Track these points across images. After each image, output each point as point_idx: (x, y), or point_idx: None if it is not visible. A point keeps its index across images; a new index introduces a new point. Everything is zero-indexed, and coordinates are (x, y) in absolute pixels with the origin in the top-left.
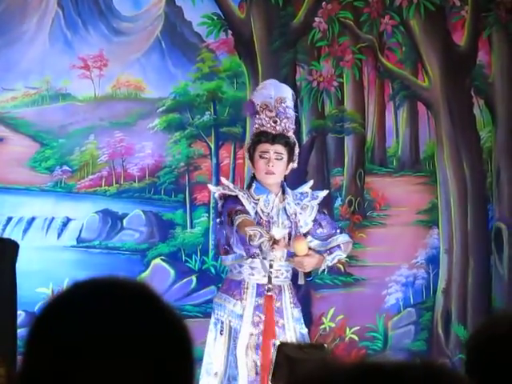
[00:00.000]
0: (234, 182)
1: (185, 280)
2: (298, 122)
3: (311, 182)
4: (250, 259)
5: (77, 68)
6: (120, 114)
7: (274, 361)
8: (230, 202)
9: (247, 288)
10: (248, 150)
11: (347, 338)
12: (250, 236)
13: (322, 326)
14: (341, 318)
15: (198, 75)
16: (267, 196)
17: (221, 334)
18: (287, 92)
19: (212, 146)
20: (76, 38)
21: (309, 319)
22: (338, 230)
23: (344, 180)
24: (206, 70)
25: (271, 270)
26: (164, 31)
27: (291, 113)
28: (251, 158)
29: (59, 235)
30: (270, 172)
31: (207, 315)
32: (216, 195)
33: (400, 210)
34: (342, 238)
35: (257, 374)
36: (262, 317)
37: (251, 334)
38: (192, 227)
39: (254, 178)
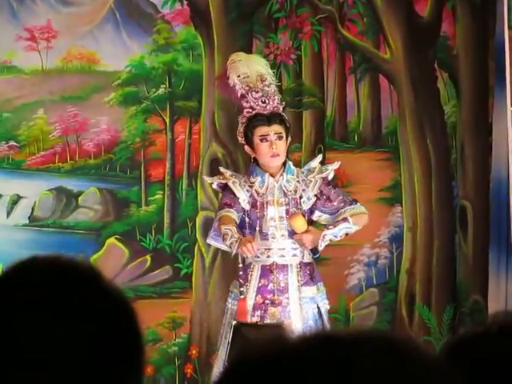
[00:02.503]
0: (189, 157)
1: (139, 260)
2: None
3: (320, 157)
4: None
5: (23, 40)
6: (72, 88)
7: (229, 341)
8: (225, 194)
9: (252, 271)
10: (243, 135)
11: None
12: (223, 235)
13: None
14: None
15: (153, 47)
16: (262, 177)
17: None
18: (260, 63)
19: (167, 121)
20: (22, 9)
21: None
22: (350, 202)
23: (302, 156)
24: (161, 41)
25: (241, 265)
26: (117, 1)
27: (274, 87)
28: (249, 143)
29: (9, 213)
30: (276, 154)
31: (162, 295)
32: (214, 186)
33: (362, 187)
34: (350, 211)
35: None
36: (267, 296)
37: (253, 316)
38: (147, 205)
39: (254, 161)
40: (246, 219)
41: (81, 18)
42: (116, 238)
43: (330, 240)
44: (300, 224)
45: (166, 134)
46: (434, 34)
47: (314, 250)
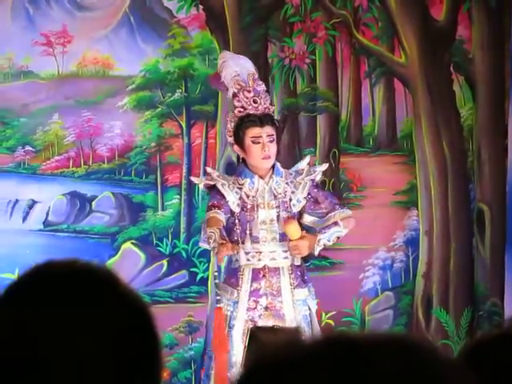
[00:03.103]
0: (205, 162)
1: (156, 264)
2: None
3: (308, 158)
4: (243, 245)
5: (39, 45)
6: (87, 93)
7: (246, 345)
8: (212, 196)
9: (243, 274)
10: (233, 135)
11: (323, 324)
12: (208, 238)
13: None
14: (316, 302)
15: (168, 52)
16: (251, 179)
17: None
18: (249, 64)
19: (183, 125)
20: (38, 14)
21: None
22: (337, 206)
23: (316, 160)
24: (177, 46)
25: (215, 273)
26: (132, 6)
27: (264, 87)
28: (239, 143)
29: (24, 218)
30: (267, 157)
31: (178, 300)
32: (201, 187)
33: (377, 191)
34: (339, 215)
35: None
36: (259, 302)
37: (247, 320)
38: (163, 209)
39: (242, 162)
40: (236, 221)
41: (96, 23)
42: (132, 243)
43: (324, 245)
44: (294, 230)
45: (182, 139)
46: (450, 38)
47: (306, 258)
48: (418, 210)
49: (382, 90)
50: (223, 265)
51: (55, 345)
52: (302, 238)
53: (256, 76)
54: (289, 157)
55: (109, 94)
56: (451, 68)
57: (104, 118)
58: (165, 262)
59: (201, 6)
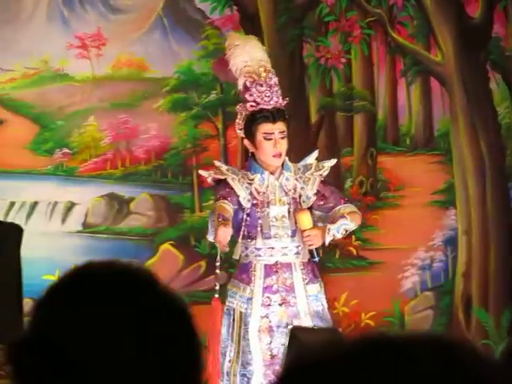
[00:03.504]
0: (242, 163)
1: (194, 265)
2: (305, 100)
3: (316, 153)
4: (254, 240)
5: (74, 48)
6: (122, 95)
7: (286, 345)
8: (221, 187)
9: (255, 270)
10: (244, 129)
11: (363, 324)
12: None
13: (335, 311)
14: (355, 302)
15: (202, 53)
16: (261, 175)
17: (233, 321)
18: (258, 46)
19: (219, 127)
20: (73, 17)
21: None
22: (342, 201)
23: (354, 160)
24: (211, 47)
25: (217, 263)
26: (166, 8)
27: (276, 79)
28: (250, 138)
29: (64, 220)
30: (278, 154)
31: None
32: (209, 180)
33: (414, 191)
34: (344, 209)
35: (272, 356)
36: (272, 298)
37: (262, 317)
38: (201, 210)
39: (252, 157)
40: (245, 217)
41: (130, 25)
42: (170, 244)
43: (334, 236)
44: (307, 220)
45: (218, 140)
46: (486, 36)
47: (312, 253)
48: (456, 209)
49: (418, 89)
50: (221, 243)
51: (95, 346)
52: (314, 228)
53: (268, 68)
54: (326, 157)
55: (144, 96)
56: (488, 66)
57: (140, 120)
58: (203, 263)
59: (235, 7)
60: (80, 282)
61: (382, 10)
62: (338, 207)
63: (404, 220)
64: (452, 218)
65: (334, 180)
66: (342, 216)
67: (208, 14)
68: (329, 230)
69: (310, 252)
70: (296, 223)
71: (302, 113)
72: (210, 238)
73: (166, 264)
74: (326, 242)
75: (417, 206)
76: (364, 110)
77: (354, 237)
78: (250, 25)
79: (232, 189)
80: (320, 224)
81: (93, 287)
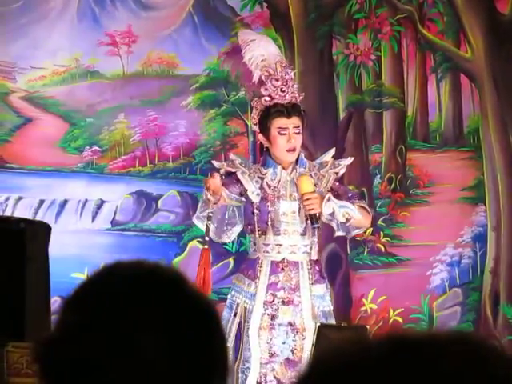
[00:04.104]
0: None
1: (222, 262)
2: (334, 97)
3: (333, 151)
4: (263, 236)
5: (104, 45)
6: (152, 92)
7: (313, 342)
8: (226, 177)
9: (261, 266)
10: (258, 123)
11: (391, 321)
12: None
13: (363, 308)
14: (383, 299)
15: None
16: (274, 169)
17: (234, 316)
18: (271, 45)
19: (248, 124)
20: (104, 14)
21: (349, 301)
22: (355, 200)
23: (383, 157)
24: None
25: (209, 223)
26: (196, 5)
27: (292, 75)
28: (265, 133)
29: (93, 218)
30: (292, 149)
31: None
32: (222, 172)
33: (444, 187)
34: (357, 203)
35: (271, 355)
36: (276, 295)
37: (264, 314)
38: None
39: (266, 151)
40: (255, 211)
41: (160, 23)
42: (198, 241)
43: (333, 209)
44: (308, 184)
45: (247, 137)
46: None
47: (312, 219)
48: (485, 205)
49: (448, 86)
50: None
51: (122, 346)
52: (314, 192)
53: (284, 63)
54: (355, 154)
55: (173, 94)
56: None
57: (169, 117)
58: (231, 260)
59: (265, 4)
60: (108, 282)
61: (412, 6)
62: (349, 200)
63: (433, 216)
64: (481, 214)
65: (363, 176)
66: (349, 202)
67: (238, 11)
68: (329, 198)
69: (310, 217)
70: (307, 220)
71: (331, 110)
72: (196, 221)
73: (194, 261)
74: (323, 210)
75: (446, 203)
76: (393, 106)
77: (382, 233)
78: (279, 22)
79: (238, 180)
80: (333, 225)
81: (121, 287)
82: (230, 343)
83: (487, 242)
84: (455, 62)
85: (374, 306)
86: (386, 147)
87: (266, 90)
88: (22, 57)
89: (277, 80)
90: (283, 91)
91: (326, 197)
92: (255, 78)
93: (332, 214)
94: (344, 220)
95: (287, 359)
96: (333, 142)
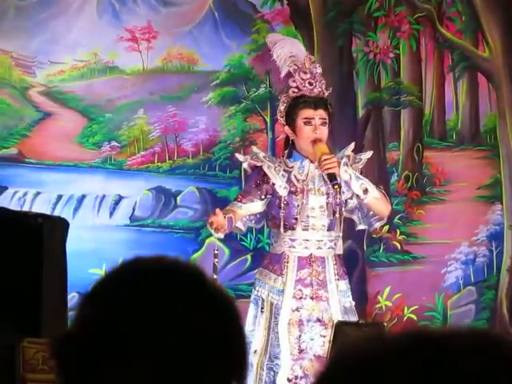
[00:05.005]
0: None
1: (240, 259)
2: (353, 95)
3: (352, 145)
4: (290, 231)
5: (124, 40)
6: (171, 88)
7: (331, 339)
8: (249, 180)
9: (288, 262)
10: (283, 115)
11: (405, 318)
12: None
13: (378, 305)
14: (398, 296)
15: (253, 47)
16: (301, 162)
17: (261, 312)
18: (302, 46)
19: (268, 120)
20: (124, 10)
21: (364, 298)
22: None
23: (400, 155)
24: (261, 41)
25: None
26: (216, 2)
27: (320, 70)
28: (291, 124)
29: (111, 214)
30: (318, 139)
31: None
32: (245, 165)
33: (460, 186)
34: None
35: (300, 351)
36: (304, 291)
37: (293, 310)
38: None
39: (292, 144)
40: (282, 205)
41: (180, 18)
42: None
43: (350, 176)
44: (325, 148)
45: (266, 134)
46: None
47: (331, 177)
48: (502, 204)
49: (465, 85)
50: (219, 234)
51: (140, 343)
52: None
53: (312, 58)
54: (373, 151)
55: (193, 90)
56: None
57: (189, 113)
58: (249, 257)
59: (285, 1)
60: (127, 278)
61: (431, 5)
62: None
63: (449, 215)
64: (497, 213)
65: (380, 174)
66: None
67: (258, 7)
68: (346, 163)
69: (329, 176)
70: (334, 214)
71: (350, 107)
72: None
73: (211, 257)
74: (341, 173)
75: (462, 201)
76: (411, 104)
77: (398, 231)
78: (299, 19)
79: (259, 183)
80: (355, 218)
81: (140, 283)
82: (262, 337)
83: (503, 240)
84: (473, 61)
85: (389, 303)
86: (404, 145)
87: (294, 81)
88: (42, 51)
89: (305, 73)
90: (311, 84)
91: (343, 161)
92: (283, 73)
93: (348, 184)
94: (361, 192)
95: (316, 355)
96: (351, 139)
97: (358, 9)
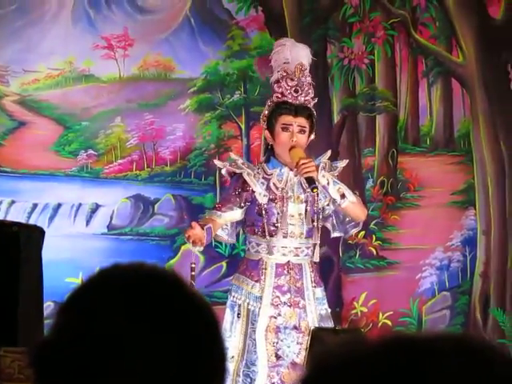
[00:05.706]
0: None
1: (215, 266)
2: (328, 101)
3: (329, 153)
4: (269, 237)
5: (100, 48)
6: (148, 95)
7: (308, 347)
8: (229, 188)
9: (265, 268)
10: (265, 119)
11: (380, 323)
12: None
13: (354, 311)
14: (373, 302)
15: (228, 53)
16: (280, 170)
17: (238, 318)
18: (305, 54)
19: (242, 127)
20: (99, 17)
21: (340, 303)
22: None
23: (376, 160)
24: (236, 47)
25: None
26: (193, 8)
27: (310, 80)
28: (270, 129)
29: (88, 222)
30: (293, 147)
31: None
32: (223, 171)
33: (434, 191)
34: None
35: (277, 357)
36: (282, 298)
37: (271, 317)
38: None
39: (270, 149)
40: (263, 213)
41: (157, 26)
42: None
43: (327, 180)
44: (302, 152)
45: (241, 140)
46: (508, 36)
47: (310, 181)
48: (475, 209)
49: (439, 90)
50: (197, 248)
51: (119, 351)
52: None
53: (305, 67)
54: (348, 157)
55: (170, 97)
56: (509, 67)
57: (166, 120)
58: (224, 264)
59: (260, 8)
60: (107, 284)
61: (405, 11)
62: None
63: (423, 220)
64: (471, 218)
65: (355, 180)
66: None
67: (234, 14)
68: (324, 168)
69: (307, 180)
70: (312, 221)
71: (325, 113)
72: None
73: (186, 264)
74: (319, 177)
75: (436, 207)
76: (386, 110)
77: (374, 237)
78: (274, 25)
79: (239, 190)
80: (329, 225)
81: (121, 289)
82: (239, 343)
83: (477, 245)
84: (447, 67)
85: (365, 309)
86: (379, 151)
87: (279, 87)
88: (16, 60)
89: (292, 80)
90: (296, 91)
91: (321, 165)
92: (273, 79)
93: (326, 189)
94: (338, 196)
95: (293, 362)
96: (327, 145)
97: (333, 15)
